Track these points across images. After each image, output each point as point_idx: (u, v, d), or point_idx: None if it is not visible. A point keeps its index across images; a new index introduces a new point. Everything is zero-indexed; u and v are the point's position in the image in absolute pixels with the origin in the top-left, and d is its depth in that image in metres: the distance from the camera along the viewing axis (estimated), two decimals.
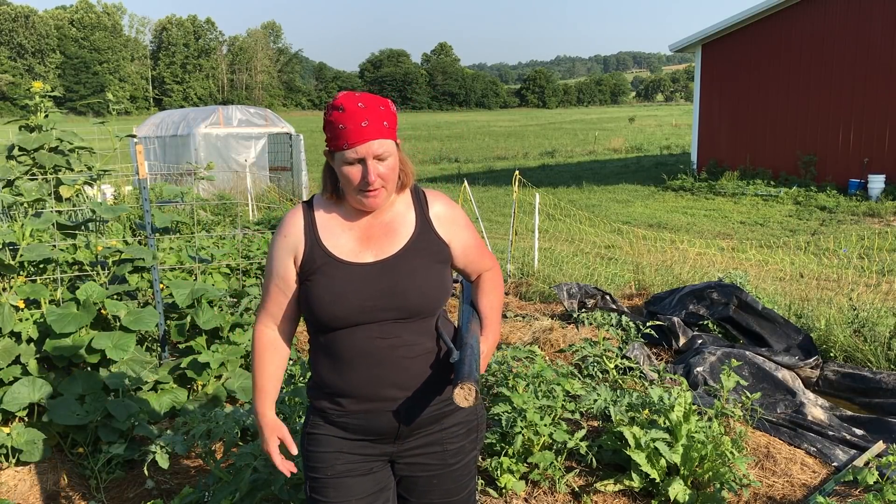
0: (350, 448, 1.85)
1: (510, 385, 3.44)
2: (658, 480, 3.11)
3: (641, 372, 4.40)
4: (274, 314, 1.89)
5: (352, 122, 1.69)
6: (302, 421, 3.14)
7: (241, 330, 4.07)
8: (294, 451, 1.88)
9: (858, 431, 3.94)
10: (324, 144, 1.81)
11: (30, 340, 3.63)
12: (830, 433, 3.84)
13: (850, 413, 4.26)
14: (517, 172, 8.66)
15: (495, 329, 1.93)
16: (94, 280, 4.06)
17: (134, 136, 5.76)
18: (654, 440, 3.09)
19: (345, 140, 1.70)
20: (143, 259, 4.01)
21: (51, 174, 5.01)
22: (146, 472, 3.25)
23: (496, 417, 3.31)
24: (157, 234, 4.40)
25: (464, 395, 1.64)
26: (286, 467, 1.89)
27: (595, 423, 3.83)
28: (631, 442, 3.14)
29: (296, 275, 1.84)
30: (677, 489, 3.01)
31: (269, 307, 1.89)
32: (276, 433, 1.89)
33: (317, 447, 1.87)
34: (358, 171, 1.73)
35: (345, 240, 1.82)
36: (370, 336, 1.78)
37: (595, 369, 4.38)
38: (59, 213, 4.41)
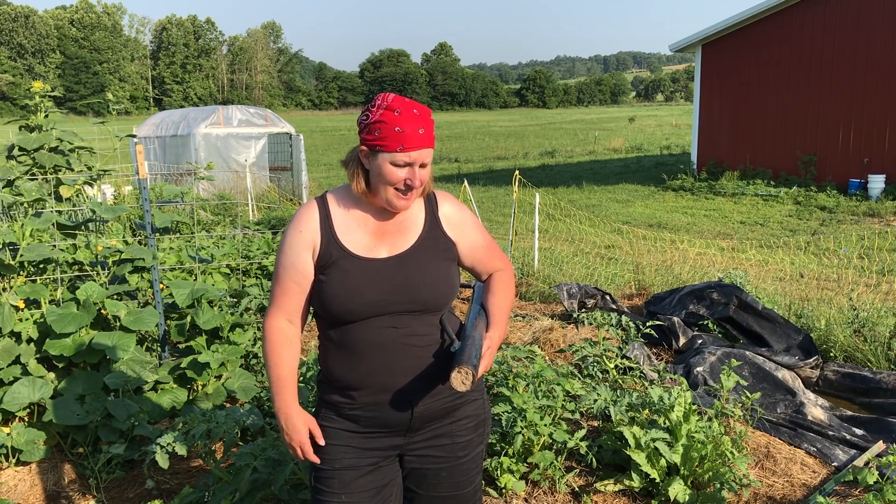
0: (359, 443, 1.90)
1: (510, 385, 3.44)
2: (658, 480, 3.11)
3: (641, 372, 4.40)
4: (289, 310, 1.91)
5: (410, 126, 1.76)
6: None
7: (240, 330, 4.07)
8: (322, 442, 1.90)
9: (858, 431, 3.94)
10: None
11: (30, 340, 3.63)
12: (830, 433, 3.84)
13: (850, 413, 4.26)
14: (517, 172, 8.67)
15: (501, 328, 1.95)
16: (94, 280, 4.05)
17: (134, 136, 5.75)
18: (654, 440, 3.09)
19: (401, 143, 1.76)
20: (143, 259, 4.01)
21: (51, 174, 5.01)
22: (146, 472, 3.25)
23: (496, 417, 3.31)
24: (157, 234, 4.40)
25: (461, 379, 1.69)
26: (315, 458, 1.91)
27: (595, 423, 3.83)
28: (631, 442, 3.14)
29: (314, 269, 1.86)
30: (677, 489, 3.01)
31: (283, 303, 1.91)
32: (307, 423, 1.90)
33: (326, 439, 1.91)
34: (403, 173, 1.80)
35: (360, 235, 1.88)
36: (382, 326, 1.82)
37: (595, 369, 4.38)
38: (59, 213, 4.40)
